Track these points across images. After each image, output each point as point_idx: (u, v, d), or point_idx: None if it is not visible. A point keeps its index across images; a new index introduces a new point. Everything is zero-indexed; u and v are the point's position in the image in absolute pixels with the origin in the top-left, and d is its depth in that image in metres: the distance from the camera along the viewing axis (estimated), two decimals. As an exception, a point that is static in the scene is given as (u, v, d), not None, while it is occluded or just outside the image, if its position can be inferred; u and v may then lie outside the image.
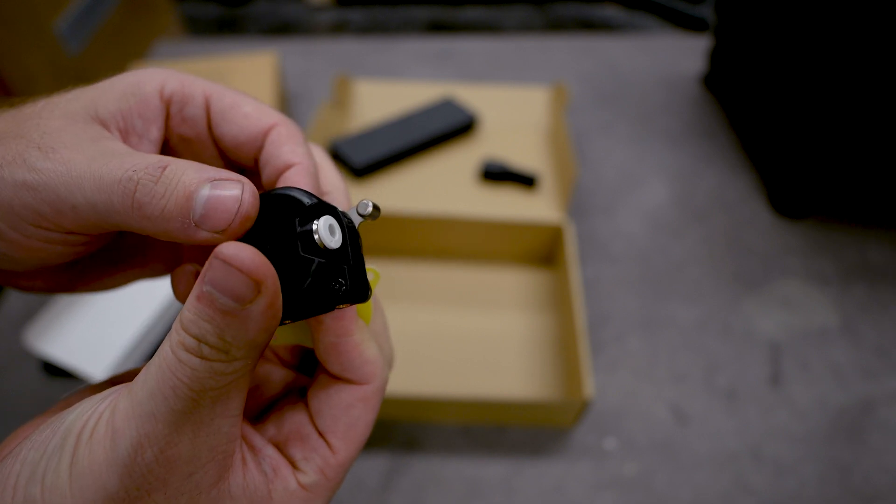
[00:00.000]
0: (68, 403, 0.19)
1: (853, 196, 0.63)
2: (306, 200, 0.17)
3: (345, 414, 0.20)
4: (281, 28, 2.21)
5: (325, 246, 0.17)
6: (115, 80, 0.21)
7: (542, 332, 0.53)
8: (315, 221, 0.17)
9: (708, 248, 0.60)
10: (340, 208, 0.19)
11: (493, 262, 0.59)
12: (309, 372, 0.23)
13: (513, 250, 0.58)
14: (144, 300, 0.50)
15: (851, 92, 0.53)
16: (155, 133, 0.21)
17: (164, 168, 0.17)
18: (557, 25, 2.21)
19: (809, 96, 0.57)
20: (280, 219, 0.17)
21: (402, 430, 0.47)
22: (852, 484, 0.44)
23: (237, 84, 0.69)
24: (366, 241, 0.57)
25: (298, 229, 0.17)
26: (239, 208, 0.17)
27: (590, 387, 0.42)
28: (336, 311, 0.19)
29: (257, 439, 0.19)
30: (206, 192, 0.17)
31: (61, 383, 0.49)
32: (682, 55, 0.86)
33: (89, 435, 0.16)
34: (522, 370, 0.50)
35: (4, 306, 0.54)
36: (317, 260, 0.17)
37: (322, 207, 0.18)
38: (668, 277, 0.58)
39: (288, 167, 0.20)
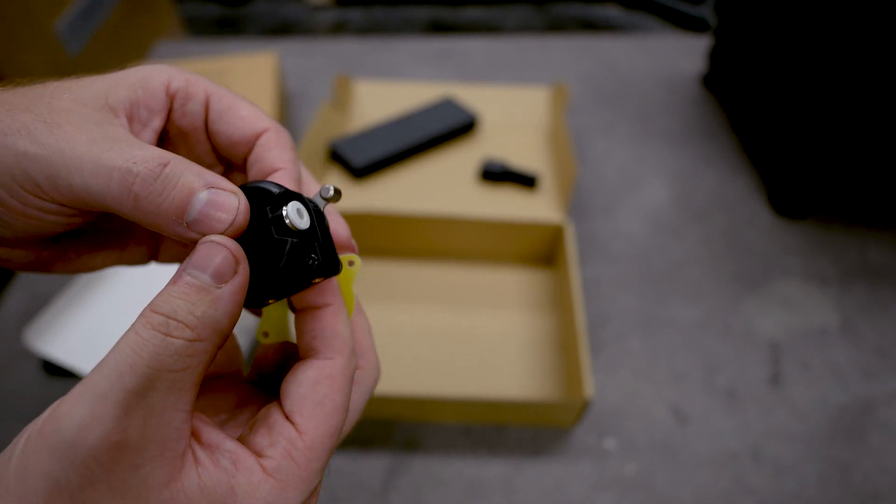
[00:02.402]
0: None
1: (853, 196, 0.63)
2: (274, 189, 0.19)
3: (311, 391, 0.19)
4: (281, 28, 2.21)
5: (295, 227, 0.19)
6: (126, 73, 0.22)
7: (542, 333, 0.53)
8: (284, 207, 0.19)
9: (708, 248, 0.60)
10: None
11: (493, 262, 0.59)
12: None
13: (513, 250, 0.58)
14: (145, 300, 0.50)
15: (851, 92, 0.53)
16: (157, 123, 0.23)
17: (165, 166, 0.18)
18: (557, 25, 2.21)
19: (809, 96, 0.57)
20: (253, 208, 0.19)
21: (403, 430, 0.47)
22: (852, 484, 0.44)
23: (237, 84, 0.69)
24: (366, 241, 0.57)
25: (270, 215, 0.19)
26: (234, 220, 0.18)
27: (590, 387, 0.42)
28: (314, 284, 0.20)
29: (212, 434, 0.18)
30: (203, 196, 0.18)
31: (61, 383, 0.49)
32: (682, 55, 0.86)
33: (38, 428, 0.16)
34: (522, 370, 0.50)
35: (4, 306, 0.54)
36: (290, 240, 0.19)
37: (289, 195, 0.19)
38: (668, 277, 0.58)
39: (274, 171, 0.22)
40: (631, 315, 0.55)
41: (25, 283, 0.56)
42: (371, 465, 0.45)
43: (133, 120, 0.22)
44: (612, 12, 2.24)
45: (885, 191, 0.61)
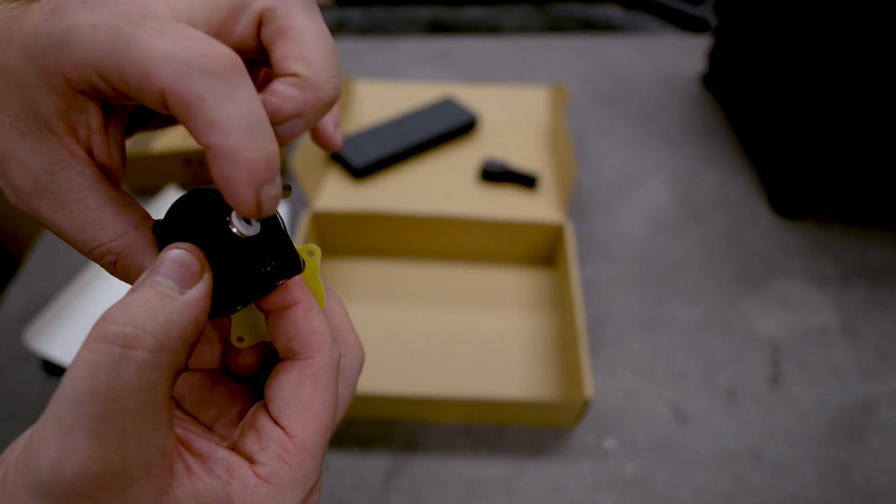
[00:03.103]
0: None
1: (853, 196, 0.63)
2: (215, 197, 0.18)
3: (295, 393, 0.19)
4: (281, 28, 2.20)
5: (244, 235, 0.18)
6: None
7: (542, 333, 0.53)
8: (229, 216, 0.18)
9: (708, 248, 0.60)
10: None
11: (493, 262, 0.59)
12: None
13: (513, 250, 0.58)
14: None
15: (851, 92, 0.53)
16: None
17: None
18: (557, 25, 2.21)
19: (809, 96, 0.57)
20: (203, 218, 0.19)
21: (403, 430, 0.47)
22: (852, 484, 0.44)
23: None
24: (366, 241, 0.57)
25: (220, 226, 0.18)
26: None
27: (590, 387, 0.42)
28: (279, 286, 0.20)
29: (203, 444, 0.18)
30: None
31: (61, 383, 0.49)
32: (682, 55, 0.86)
33: (13, 461, 0.15)
34: (522, 370, 0.50)
35: (4, 306, 0.54)
36: (244, 251, 0.18)
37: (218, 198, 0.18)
38: (668, 277, 0.58)
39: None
40: (631, 315, 0.55)
41: (25, 283, 0.56)
42: (371, 465, 0.44)
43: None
44: (612, 12, 2.24)
45: (885, 191, 0.61)
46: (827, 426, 0.47)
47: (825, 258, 0.59)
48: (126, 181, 0.63)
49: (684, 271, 0.58)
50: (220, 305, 0.19)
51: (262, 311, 0.21)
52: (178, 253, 0.17)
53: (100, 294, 0.50)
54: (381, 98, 0.74)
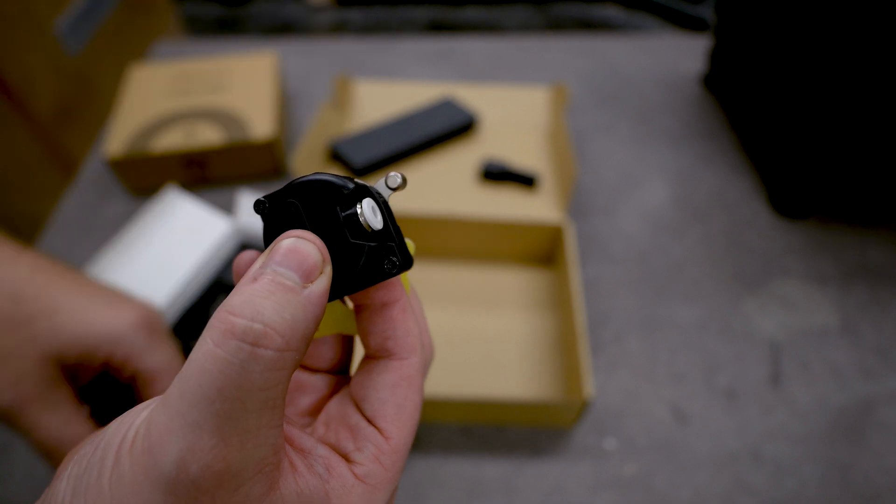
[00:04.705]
0: None
1: (853, 196, 0.63)
2: (344, 184, 0.18)
3: (392, 395, 0.19)
4: (281, 28, 2.21)
5: (370, 228, 0.17)
6: (84, 333, 0.30)
7: (542, 332, 0.53)
8: (358, 205, 0.17)
9: (708, 248, 0.60)
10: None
11: (493, 262, 0.59)
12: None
13: (513, 250, 0.58)
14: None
15: (851, 92, 0.53)
16: (87, 377, 0.31)
17: None
18: (557, 25, 2.21)
19: (809, 96, 0.57)
20: (321, 205, 0.18)
21: (402, 430, 0.47)
22: (852, 484, 0.44)
23: (237, 84, 0.69)
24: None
25: (342, 214, 0.18)
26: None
27: (590, 387, 0.42)
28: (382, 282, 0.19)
29: (306, 441, 0.18)
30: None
31: (61, 383, 0.49)
32: (682, 55, 0.86)
33: (128, 449, 0.15)
34: (522, 370, 0.50)
35: (4, 306, 0.54)
36: (367, 245, 0.18)
37: (361, 191, 0.18)
38: (668, 277, 0.58)
39: None
40: (631, 315, 0.55)
41: (25, 283, 0.56)
42: (371, 465, 0.44)
43: (73, 372, 0.30)
44: (612, 12, 2.24)
45: (885, 191, 0.61)
46: (827, 426, 0.47)
47: (825, 258, 0.59)
48: (126, 181, 0.63)
49: (684, 271, 0.58)
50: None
51: (347, 304, 0.21)
52: (297, 243, 0.16)
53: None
54: (381, 98, 0.74)
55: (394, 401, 0.19)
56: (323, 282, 0.16)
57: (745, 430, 0.47)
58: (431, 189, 0.62)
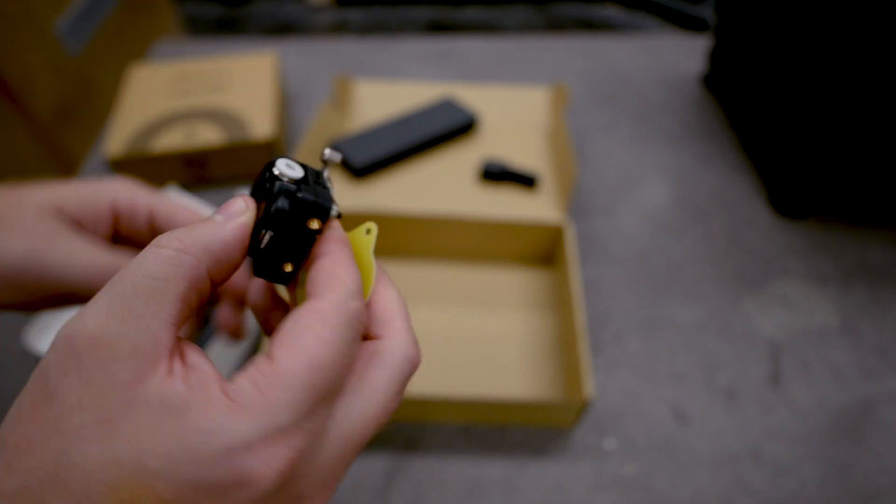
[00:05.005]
0: None
1: (853, 196, 0.63)
2: (275, 159, 0.22)
3: (293, 324, 0.18)
4: (281, 28, 2.21)
5: (285, 176, 0.21)
6: (77, 186, 0.30)
7: (542, 332, 0.53)
8: (275, 164, 0.21)
9: (708, 248, 0.60)
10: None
11: (493, 262, 0.59)
12: None
13: (513, 250, 0.58)
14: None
15: (851, 92, 0.53)
16: (105, 230, 0.31)
17: None
18: (557, 25, 2.21)
19: (809, 96, 0.57)
20: (263, 174, 0.22)
21: (402, 430, 0.47)
22: (852, 484, 0.44)
23: (237, 84, 0.69)
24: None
25: (266, 174, 0.22)
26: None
27: (590, 387, 0.42)
28: (317, 241, 0.22)
29: (196, 357, 0.18)
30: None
31: (61, 383, 0.49)
32: (682, 55, 0.86)
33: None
34: (522, 370, 0.50)
35: (4, 306, 0.54)
36: (279, 182, 0.21)
37: (278, 157, 0.22)
38: (668, 277, 0.58)
39: None
40: (631, 315, 0.55)
41: (25, 283, 0.56)
42: (371, 465, 0.45)
43: (83, 228, 0.30)
44: (612, 12, 2.24)
45: (885, 191, 0.61)
46: (827, 426, 0.47)
47: (825, 258, 0.59)
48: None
49: (684, 271, 0.58)
50: (273, 264, 0.22)
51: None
52: (233, 199, 0.21)
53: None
54: (381, 98, 0.74)
55: (292, 328, 0.18)
56: (239, 218, 0.20)
57: (745, 430, 0.47)
58: (431, 189, 0.62)
